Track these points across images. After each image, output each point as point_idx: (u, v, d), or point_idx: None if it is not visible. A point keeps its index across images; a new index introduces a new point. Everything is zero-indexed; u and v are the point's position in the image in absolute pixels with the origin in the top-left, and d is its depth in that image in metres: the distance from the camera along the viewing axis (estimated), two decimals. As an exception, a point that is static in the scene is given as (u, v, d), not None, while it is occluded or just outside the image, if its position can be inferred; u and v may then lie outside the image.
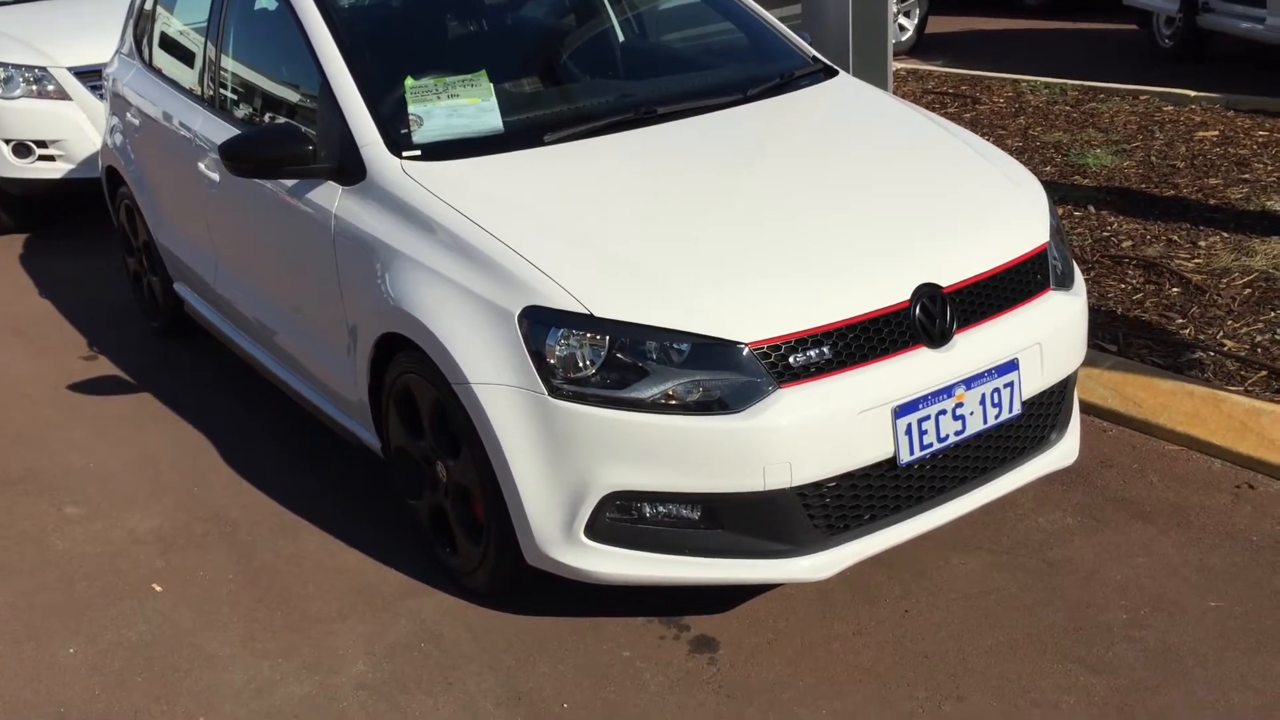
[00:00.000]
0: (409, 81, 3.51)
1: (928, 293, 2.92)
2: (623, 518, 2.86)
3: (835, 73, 4.01)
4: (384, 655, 3.05)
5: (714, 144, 3.51)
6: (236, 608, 3.31)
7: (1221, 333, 4.24)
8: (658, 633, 3.05)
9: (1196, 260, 4.87)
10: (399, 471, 3.42)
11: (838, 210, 3.14)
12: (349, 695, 2.92)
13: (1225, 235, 5.10)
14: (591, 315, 2.78)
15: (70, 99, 6.56)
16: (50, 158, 6.61)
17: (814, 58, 4.09)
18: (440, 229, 3.10)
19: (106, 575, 3.51)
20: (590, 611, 3.14)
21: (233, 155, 3.47)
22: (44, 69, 6.56)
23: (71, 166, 6.61)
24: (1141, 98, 7.50)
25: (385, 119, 3.43)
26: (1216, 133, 6.62)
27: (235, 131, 3.91)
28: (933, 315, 2.91)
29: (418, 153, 3.35)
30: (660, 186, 3.26)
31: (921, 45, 10.55)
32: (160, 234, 4.90)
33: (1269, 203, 5.44)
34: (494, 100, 3.50)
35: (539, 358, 2.82)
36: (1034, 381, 3.06)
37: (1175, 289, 4.63)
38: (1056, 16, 11.55)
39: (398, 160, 3.32)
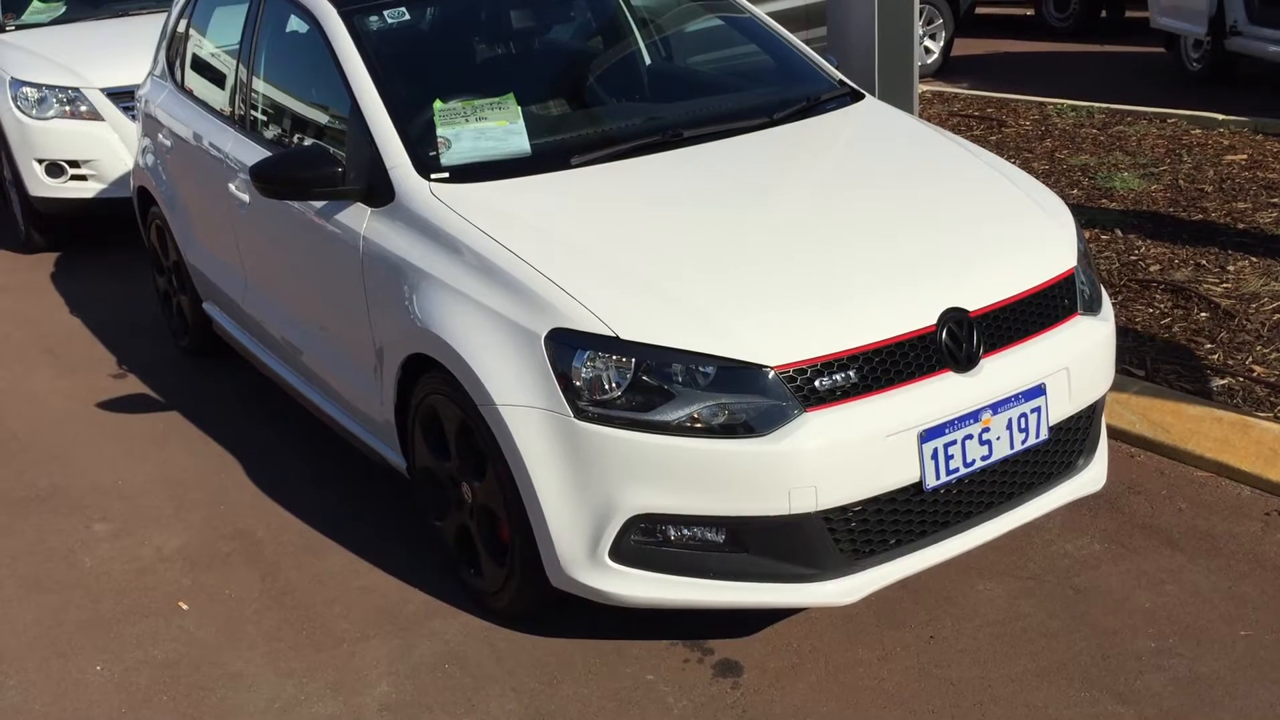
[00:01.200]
0: (437, 104, 3.54)
1: (954, 317, 2.91)
2: (647, 540, 2.86)
3: (861, 96, 4.02)
4: (408, 676, 3.06)
5: (740, 168, 3.52)
6: (261, 626, 3.32)
7: (1250, 358, 4.21)
8: (682, 656, 3.04)
9: (1225, 285, 4.84)
10: (424, 492, 3.44)
11: (864, 234, 3.14)
12: (373, 716, 2.93)
13: (1254, 260, 5.06)
14: (618, 338, 2.79)
15: (103, 120, 6.63)
16: (82, 177, 6.69)
17: (840, 81, 4.10)
18: (467, 251, 3.12)
19: (133, 593, 3.53)
20: (614, 634, 3.13)
21: (263, 177, 3.50)
22: (77, 90, 6.64)
23: (103, 186, 6.69)
24: (1169, 121, 7.48)
25: (414, 141, 3.46)
26: (1245, 156, 6.59)
27: (265, 153, 3.94)
28: (959, 339, 2.90)
29: (446, 175, 3.37)
30: (687, 210, 3.26)
31: (947, 68, 10.56)
32: (190, 253, 4.94)
33: (1299, 227, 5.40)
34: (522, 123, 3.53)
35: (565, 380, 2.82)
36: (1061, 407, 3.04)
37: (1204, 314, 4.60)
38: (1083, 39, 11.53)
39: (426, 182, 3.34)
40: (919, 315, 2.88)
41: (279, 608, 3.40)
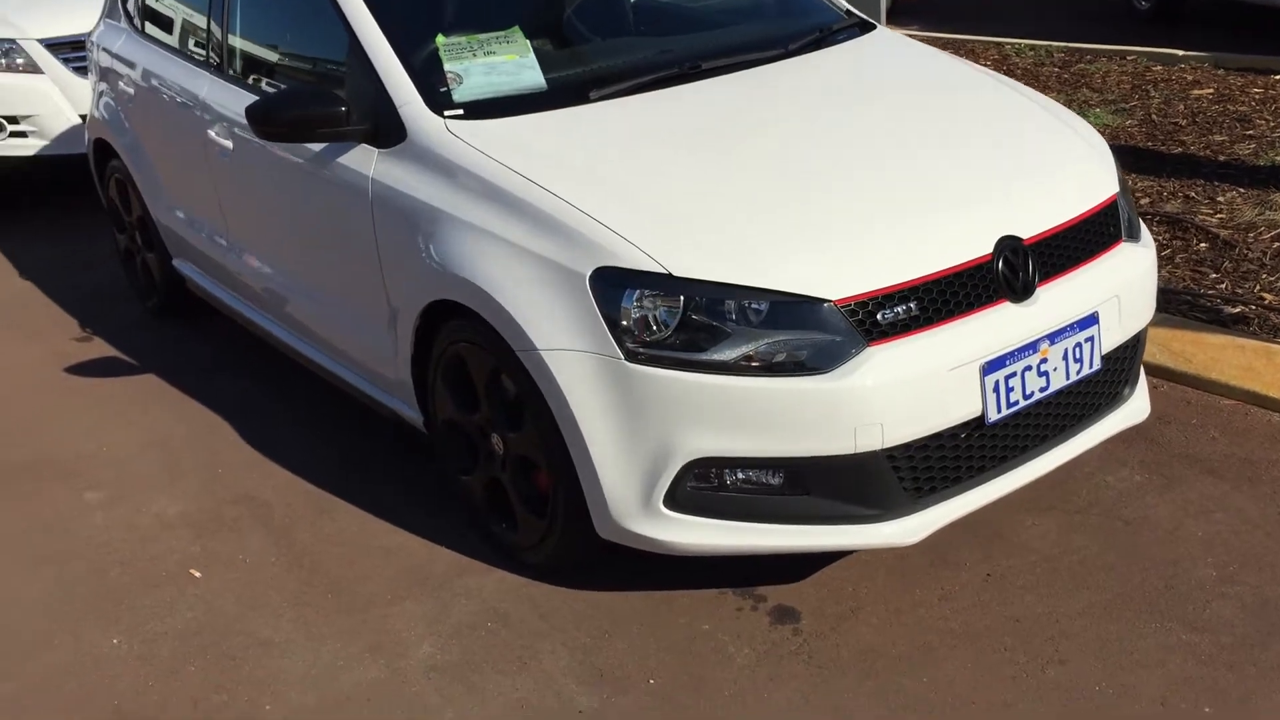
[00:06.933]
0: (441, 39, 3.35)
1: (1010, 245, 2.82)
2: (704, 485, 2.75)
3: (872, 26, 3.90)
4: (450, 636, 2.92)
5: (765, 99, 3.39)
6: (284, 592, 3.15)
7: (1258, 286, 4.20)
8: (734, 604, 2.94)
9: (1219, 215, 4.83)
10: (448, 446, 3.28)
11: (909, 163, 3.04)
12: (420, 678, 2.79)
13: (1242, 190, 5.07)
14: (670, 275, 2.66)
15: (42, 72, 6.27)
16: (23, 134, 6.33)
17: (847, 11, 3.98)
18: (495, 189, 2.95)
19: (139, 562, 3.34)
20: (656, 585, 3.02)
21: (262, 119, 3.29)
22: (13, 41, 6.26)
23: (45, 143, 6.33)
24: (1129, 58, 7.48)
25: (422, 78, 3.27)
26: (1211, 90, 6.61)
27: (248, 97, 3.71)
28: (1015, 268, 2.82)
29: (460, 112, 3.20)
30: (719, 142, 3.13)
31: (896, 10, 10.46)
32: (158, 208, 4.68)
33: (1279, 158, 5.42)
34: (533, 57, 3.36)
35: (612, 321, 2.69)
36: (1113, 335, 2.98)
37: (1203, 244, 4.59)
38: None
39: (440, 119, 3.16)
40: (975, 245, 2.79)
41: (299, 570, 3.23)
